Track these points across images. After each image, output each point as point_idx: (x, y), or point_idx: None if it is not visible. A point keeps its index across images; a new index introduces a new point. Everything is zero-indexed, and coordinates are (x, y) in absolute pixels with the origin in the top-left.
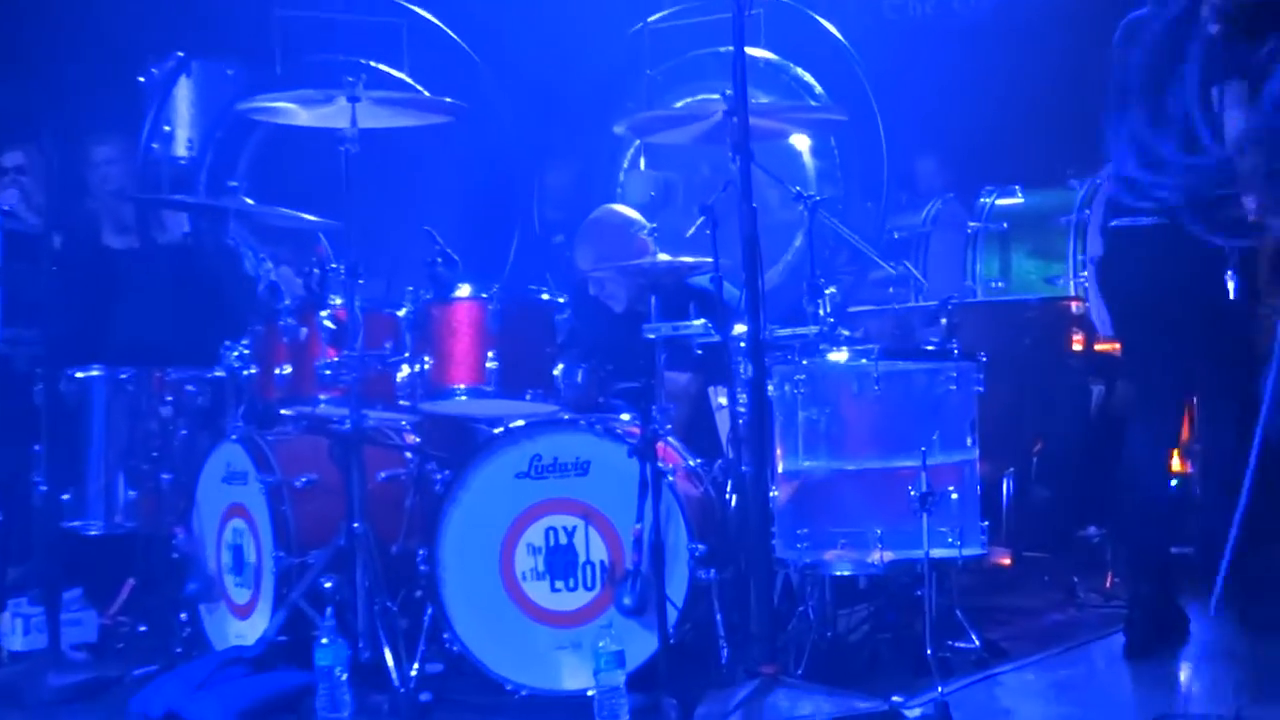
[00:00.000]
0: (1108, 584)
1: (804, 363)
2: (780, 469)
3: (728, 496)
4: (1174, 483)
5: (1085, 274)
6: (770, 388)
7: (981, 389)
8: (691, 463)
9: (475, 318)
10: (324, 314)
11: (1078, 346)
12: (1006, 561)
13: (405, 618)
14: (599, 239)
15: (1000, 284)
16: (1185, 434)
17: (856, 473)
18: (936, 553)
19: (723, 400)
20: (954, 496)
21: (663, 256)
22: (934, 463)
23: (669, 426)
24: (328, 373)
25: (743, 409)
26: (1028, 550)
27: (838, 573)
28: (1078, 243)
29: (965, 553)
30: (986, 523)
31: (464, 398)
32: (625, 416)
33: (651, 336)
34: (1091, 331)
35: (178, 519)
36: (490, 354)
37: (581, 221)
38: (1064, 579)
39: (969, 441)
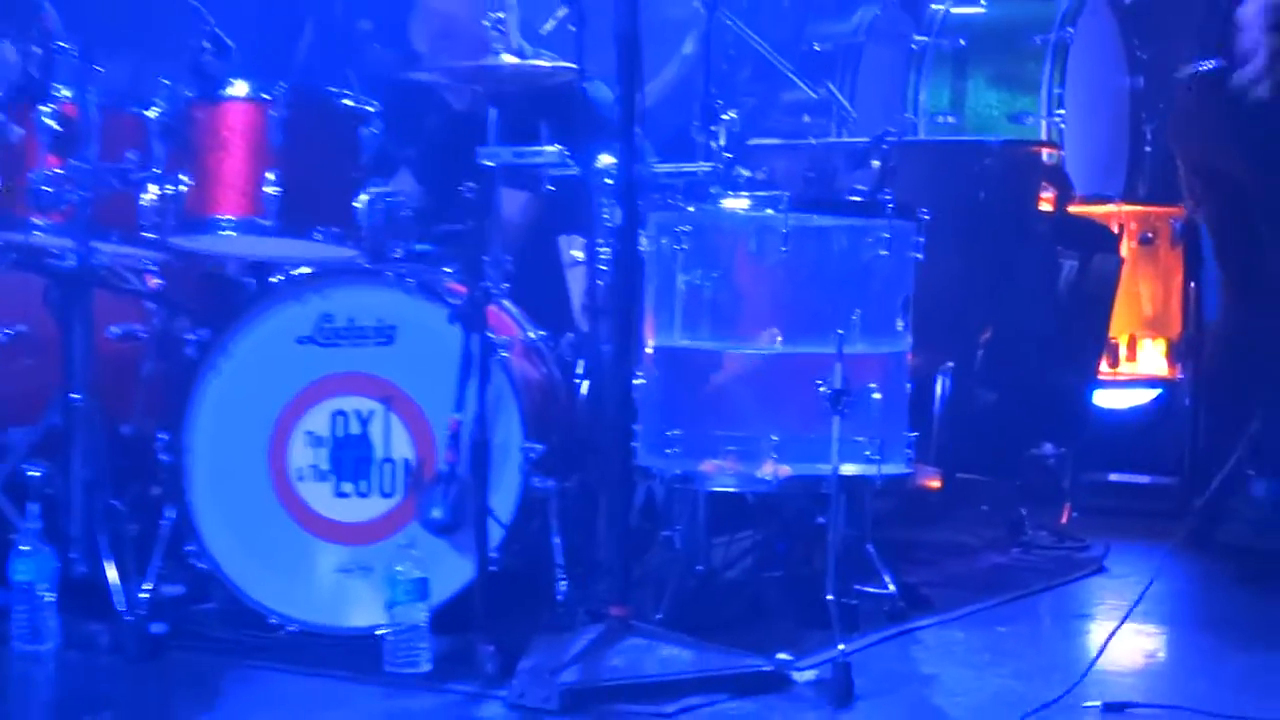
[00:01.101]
0: (1064, 518)
1: (689, 209)
2: (649, 349)
3: (577, 382)
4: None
5: (1062, 112)
6: (643, 240)
7: (920, 256)
8: (532, 335)
9: (251, 125)
10: (45, 109)
11: (1047, 207)
12: (936, 484)
13: (136, 522)
14: (434, 18)
15: (951, 119)
16: (1177, 328)
17: (750, 359)
18: (848, 469)
19: (578, 254)
20: (875, 397)
21: (508, 58)
22: (853, 351)
23: (505, 285)
24: (47, 189)
25: (604, 267)
26: (964, 471)
27: (717, 489)
28: (1055, 70)
29: (885, 470)
30: (915, 434)
31: (231, 233)
32: (447, 268)
33: (488, 164)
34: (1066, 188)
35: None
36: (270, 176)
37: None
38: (1008, 510)
39: (899, 325)
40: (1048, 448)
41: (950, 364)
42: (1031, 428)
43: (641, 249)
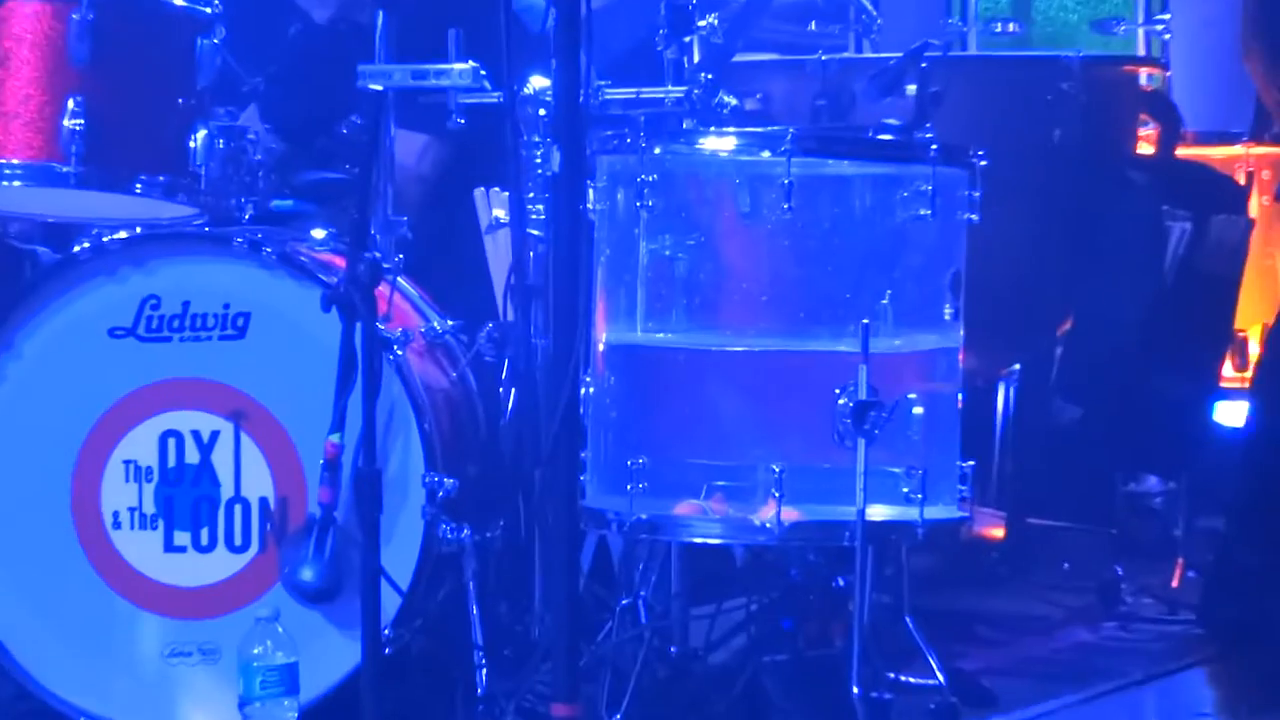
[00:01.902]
0: (1175, 580)
1: (655, 152)
2: (601, 346)
3: (502, 392)
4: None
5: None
6: (591, 197)
7: (974, 218)
8: (438, 326)
9: (44, 33)
10: None
11: (1147, 149)
12: (999, 534)
13: None
14: None
15: (1014, 27)
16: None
17: (742, 359)
18: (878, 512)
19: (501, 214)
20: (915, 412)
21: None
22: (883, 349)
23: (400, 258)
24: None
25: (537, 232)
26: (1037, 515)
27: (697, 540)
28: None
29: (930, 515)
30: (970, 463)
31: (16, 183)
32: (318, 233)
33: (375, 88)
34: (1173, 124)
35: None
36: (71, 104)
37: None
38: (1099, 569)
39: (947, 313)
40: (1152, 482)
41: (1017, 367)
42: (1130, 455)
43: (589, 208)
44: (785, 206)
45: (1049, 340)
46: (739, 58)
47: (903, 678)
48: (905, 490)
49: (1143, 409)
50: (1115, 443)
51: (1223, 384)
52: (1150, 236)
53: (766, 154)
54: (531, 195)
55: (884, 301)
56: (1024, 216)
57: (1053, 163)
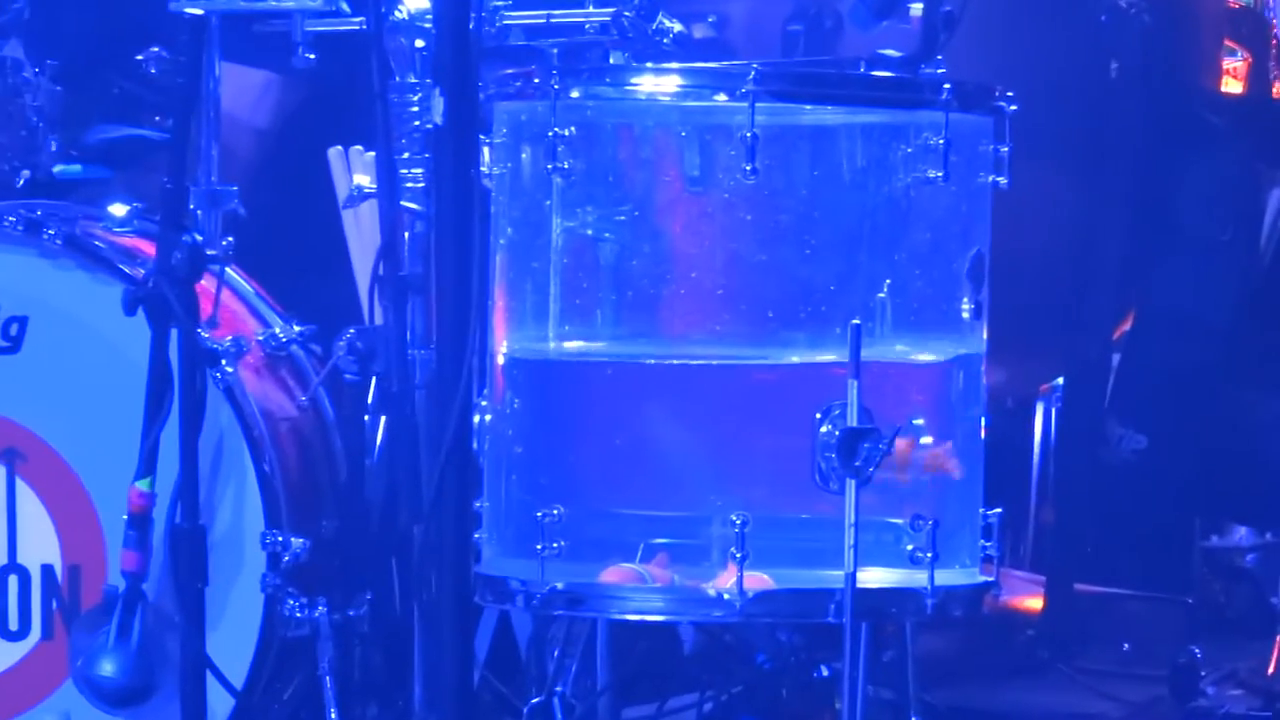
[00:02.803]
0: (1273, 665)
1: (572, 96)
2: (503, 359)
3: (368, 420)
4: None
5: None
6: (487, 158)
7: (1003, 181)
8: (281, 333)
9: None
10: None
11: (1234, 87)
12: (1036, 604)
13: None
14: None
15: None
16: None
17: (690, 376)
18: (874, 577)
19: (364, 181)
20: (924, 443)
21: None
22: (880, 358)
23: (229, 241)
24: None
25: (414, 205)
26: (1087, 579)
27: (633, 617)
28: None
29: (943, 580)
30: (997, 511)
31: None
32: (118, 209)
33: (192, 11)
34: (1266, 53)
35: None
36: None
37: None
38: (1170, 648)
39: (966, 309)
40: (1241, 535)
41: (1060, 381)
42: (1211, 498)
43: (484, 172)
44: (747, 169)
45: (1103, 346)
46: None
47: None
48: (910, 548)
49: (1229, 438)
50: (1192, 482)
51: None
52: (1238, 205)
53: (722, 98)
54: (406, 156)
55: (881, 295)
56: (1069, 180)
57: (1107, 106)
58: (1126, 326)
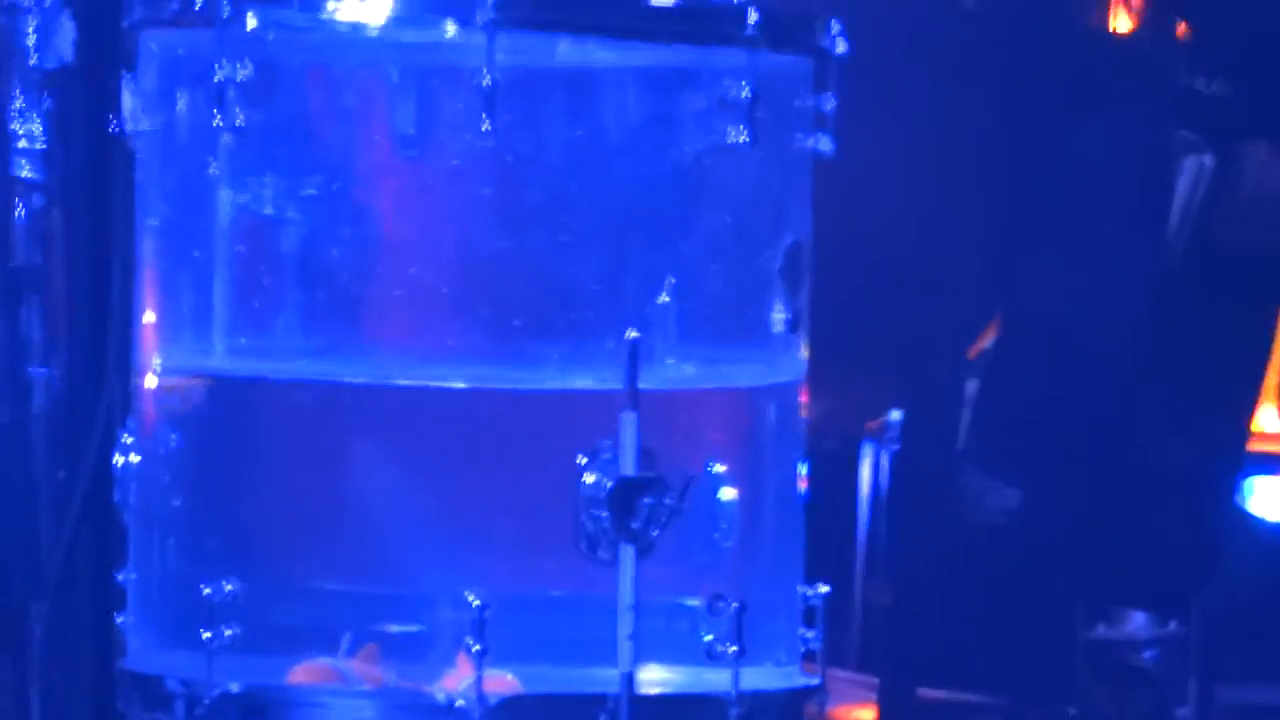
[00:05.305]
0: None
1: (248, 26)
2: (154, 380)
3: None
4: None
5: None
6: (129, 107)
7: (827, 148)
8: None
9: None
10: None
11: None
12: (867, 717)
13: None
14: None
15: None
16: None
17: (410, 405)
18: (658, 677)
19: None
20: (725, 498)
21: None
22: (664, 384)
23: None
24: None
25: (31, 173)
26: (934, 683)
27: None
28: None
29: (753, 683)
30: (824, 589)
31: None
32: None
33: None
34: None
35: None
36: None
37: None
38: None
39: (778, 320)
40: (1137, 624)
41: (896, 415)
42: (1099, 575)
43: (127, 129)
44: (483, 128)
45: (954, 366)
46: None
47: None
48: (708, 639)
49: (1123, 490)
50: (1074, 553)
51: (1257, 445)
52: (1140, 179)
53: (450, 29)
54: (19, 106)
55: (662, 299)
56: (913, 145)
57: (963, 47)
58: (988, 339)
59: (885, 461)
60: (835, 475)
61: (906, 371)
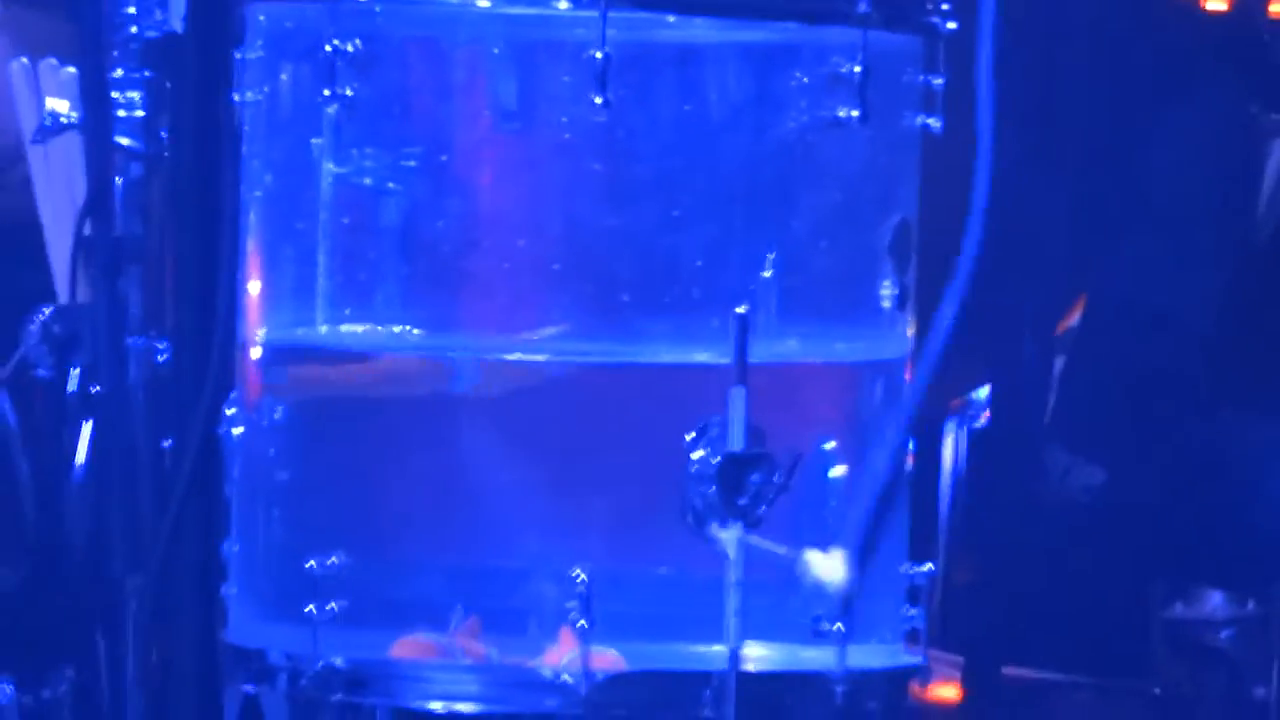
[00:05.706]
0: None
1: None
2: (258, 350)
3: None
4: None
5: None
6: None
7: (936, 123)
8: None
9: None
10: None
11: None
12: (951, 694)
13: None
14: None
15: None
16: None
17: (514, 380)
18: (764, 655)
19: (61, 107)
20: (835, 474)
21: None
22: (770, 359)
23: None
24: None
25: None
26: (1018, 661)
27: (437, 707)
28: None
29: (859, 661)
30: (928, 567)
31: None
32: None
33: None
34: None
35: None
36: None
37: None
38: None
39: (887, 296)
40: (1216, 604)
41: (983, 393)
42: (1180, 555)
43: (234, 99)
44: (597, 102)
45: (1042, 344)
46: None
47: None
48: (814, 616)
49: (1205, 469)
50: (1156, 532)
51: None
52: (1228, 158)
53: (563, 3)
54: (120, 74)
55: (766, 273)
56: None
57: (1050, 23)
58: (1073, 319)
59: (963, 441)
60: (919, 454)
61: (992, 349)
